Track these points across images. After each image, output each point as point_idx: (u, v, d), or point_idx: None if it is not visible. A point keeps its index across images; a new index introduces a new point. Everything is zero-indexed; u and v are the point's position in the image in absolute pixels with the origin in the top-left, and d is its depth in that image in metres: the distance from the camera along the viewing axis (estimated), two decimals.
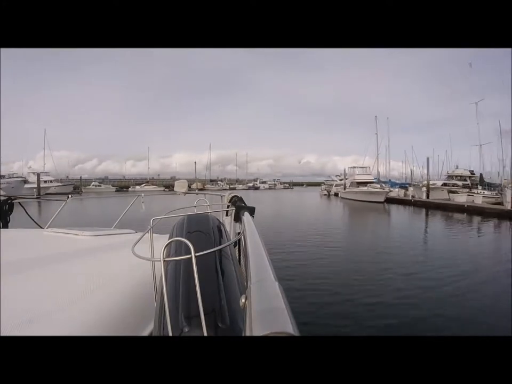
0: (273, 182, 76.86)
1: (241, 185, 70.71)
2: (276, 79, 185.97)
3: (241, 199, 1.95)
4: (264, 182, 75.44)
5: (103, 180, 71.45)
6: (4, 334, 0.69)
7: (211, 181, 69.52)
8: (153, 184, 61.29)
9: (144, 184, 58.82)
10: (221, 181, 72.77)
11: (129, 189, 53.29)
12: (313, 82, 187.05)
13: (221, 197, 2.54)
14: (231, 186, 64.51)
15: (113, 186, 60.16)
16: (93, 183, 57.60)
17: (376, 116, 39.09)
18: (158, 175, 74.39)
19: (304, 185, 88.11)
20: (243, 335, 0.41)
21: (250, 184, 72.52)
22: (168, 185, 56.56)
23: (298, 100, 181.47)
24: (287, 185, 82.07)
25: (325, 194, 41.93)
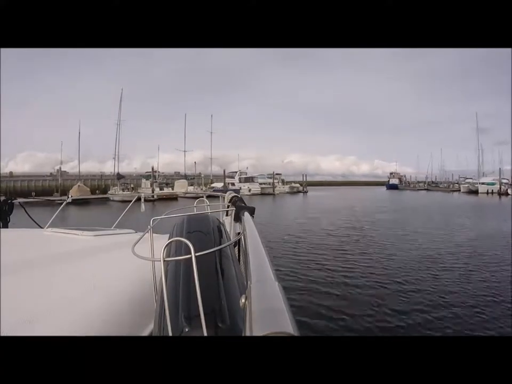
0: (268, 179, 41.49)
1: (192, 187, 34.44)
2: (259, 79, 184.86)
3: (241, 199, 1.95)
4: (250, 180, 39.73)
5: None
6: (3, 334, 0.69)
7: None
8: None
9: None
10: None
11: None
12: (298, 83, 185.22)
13: (221, 197, 2.55)
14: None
15: None
16: None
17: None
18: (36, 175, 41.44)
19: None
20: (243, 335, 0.41)
21: (218, 185, 34.95)
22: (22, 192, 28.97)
23: (282, 100, 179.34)
24: (298, 185, 45.20)
25: None
